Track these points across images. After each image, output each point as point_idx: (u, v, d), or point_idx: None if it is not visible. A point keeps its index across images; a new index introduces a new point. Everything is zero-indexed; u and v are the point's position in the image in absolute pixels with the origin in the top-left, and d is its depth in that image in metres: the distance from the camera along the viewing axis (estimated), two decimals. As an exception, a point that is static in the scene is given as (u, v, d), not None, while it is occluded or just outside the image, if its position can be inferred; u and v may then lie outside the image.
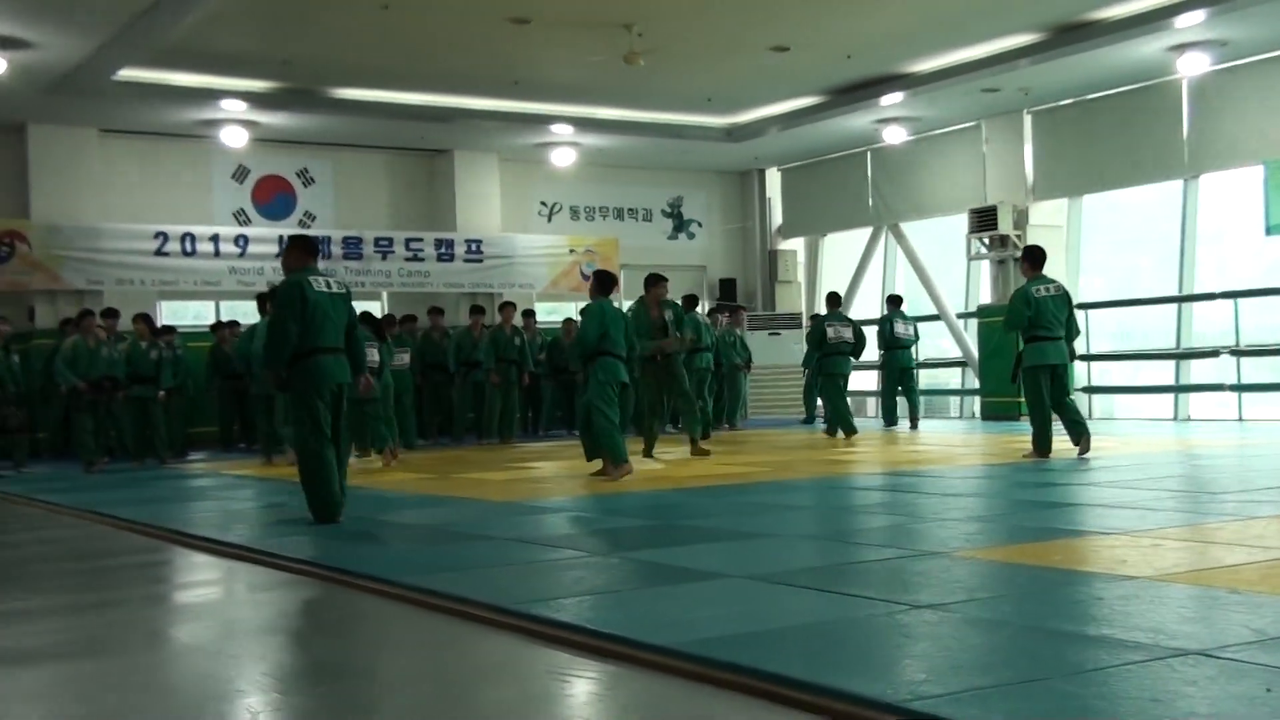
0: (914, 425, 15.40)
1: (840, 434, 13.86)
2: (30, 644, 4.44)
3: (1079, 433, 10.25)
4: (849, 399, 14.68)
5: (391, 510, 8.02)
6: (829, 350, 14.35)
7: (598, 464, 9.88)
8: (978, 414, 17.64)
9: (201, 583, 5.95)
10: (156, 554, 6.70)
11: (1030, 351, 10.35)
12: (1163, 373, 16.29)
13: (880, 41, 14.11)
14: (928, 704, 3.04)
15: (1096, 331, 16.94)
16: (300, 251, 7.60)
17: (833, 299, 15.37)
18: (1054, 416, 10.44)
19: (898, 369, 15.47)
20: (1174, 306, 15.71)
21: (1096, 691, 3.15)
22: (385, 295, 17.91)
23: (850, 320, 14.99)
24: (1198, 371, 15.80)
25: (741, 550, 5.75)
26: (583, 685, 3.58)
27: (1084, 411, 16.68)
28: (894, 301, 16.06)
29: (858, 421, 14.90)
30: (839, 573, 5.06)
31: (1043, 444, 10.27)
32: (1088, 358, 16.87)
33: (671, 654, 3.64)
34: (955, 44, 14.33)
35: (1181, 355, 15.68)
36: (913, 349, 15.73)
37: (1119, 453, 10.64)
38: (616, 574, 5.28)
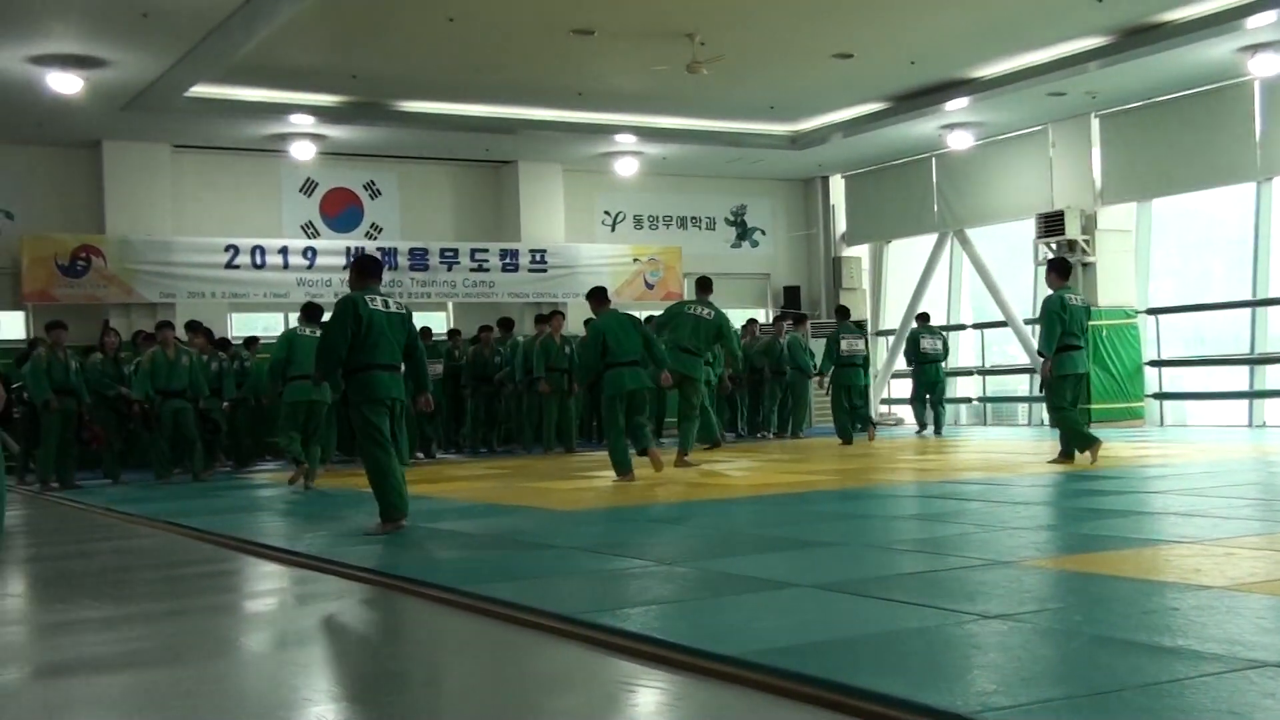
0: (938, 432, 15.75)
1: (863, 438, 14.45)
2: (105, 651, 4.52)
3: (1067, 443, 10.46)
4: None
5: (456, 519, 8.07)
6: (842, 362, 14.69)
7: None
8: (1046, 421, 17.37)
9: (270, 591, 6.02)
10: (226, 563, 6.81)
11: (1062, 361, 10.26)
12: (1236, 378, 15.98)
13: (944, 47, 13.99)
14: (998, 715, 3.00)
15: (1168, 337, 16.67)
16: (361, 272, 7.76)
17: (841, 311, 15.76)
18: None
19: (927, 382, 15.88)
20: (1247, 311, 15.42)
21: (1172, 704, 3.09)
22: (451, 306, 18.06)
23: (863, 332, 15.58)
24: (1273, 377, 15.47)
25: (807, 559, 5.72)
26: (649, 695, 3.58)
27: (1155, 418, 16.56)
28: (922, 318, 16.58)
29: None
30: (906, 581, 5.01)
31: (1084, 439, 10.17)
32: (1159, 363, 16.60)
33: (738, 663, 3.63)
34: (1021, 48, 14.17)
35: (1256, 360, 15.38)
36: (941, 363, 16.05)
37: (1191, 460, 10.45)
38: (682, 583, 5.27)
